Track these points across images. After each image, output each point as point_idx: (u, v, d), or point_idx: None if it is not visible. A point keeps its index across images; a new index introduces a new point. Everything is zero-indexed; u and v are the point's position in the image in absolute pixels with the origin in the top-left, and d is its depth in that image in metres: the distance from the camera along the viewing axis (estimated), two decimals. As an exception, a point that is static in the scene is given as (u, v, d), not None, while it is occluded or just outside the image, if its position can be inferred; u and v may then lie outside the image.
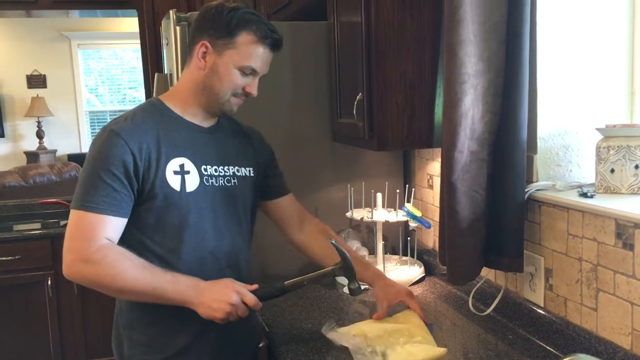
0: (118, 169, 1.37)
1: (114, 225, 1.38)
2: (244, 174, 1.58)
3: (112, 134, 1.39)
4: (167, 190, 1.42)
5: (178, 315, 1.43)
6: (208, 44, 1.44)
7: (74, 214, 1.39)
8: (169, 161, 1.43)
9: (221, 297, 1.36)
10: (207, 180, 1.49)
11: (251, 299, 1.39)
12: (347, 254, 1.52)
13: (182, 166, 1.45)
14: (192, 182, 1.46)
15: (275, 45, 1.48)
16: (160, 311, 1.44)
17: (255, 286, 1.44)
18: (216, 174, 1.51)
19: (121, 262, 1.35)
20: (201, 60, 1.46)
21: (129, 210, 1.41)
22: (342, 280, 2.06)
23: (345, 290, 1.98)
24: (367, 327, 1.55)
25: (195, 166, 1.47)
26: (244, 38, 1.43)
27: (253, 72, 1.47)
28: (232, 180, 1.55)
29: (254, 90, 1.50)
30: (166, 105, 1.51)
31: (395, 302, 1.59)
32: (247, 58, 1.44)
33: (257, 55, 1.45)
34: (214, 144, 1.54)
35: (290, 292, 1.51)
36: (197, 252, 1.47)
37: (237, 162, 1.58)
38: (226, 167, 1.54)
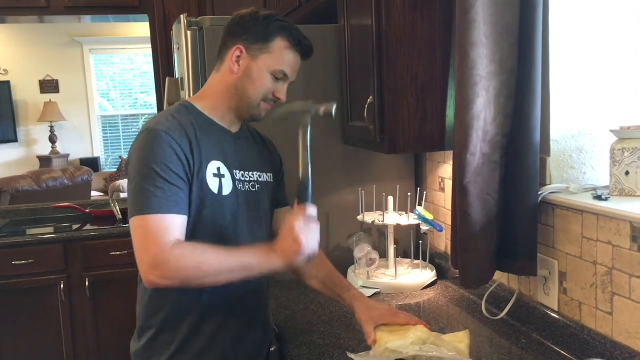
0: (178, 168, 1.36)
1: (180, 224, 1.36)
2: (265, 180, 1.60)
3: (161, 134, 1.37)
4: (206, 192, 1.42)
5: (193, 316, 1.44)
6: (243, 49, 1.46)
7: (135, 220, 1.34)
8: (208, 163, 1.44)
9: (291, 234, 1.36)
10: (238, 185, 1.50)
11: (305, 212, 1.39)
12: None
13: (218, 169, 1.46)
14: (228, 186, 1.47)
15: (305, 52, 1.51)
16: (176, 314, 1.44)
17: (295, 205, 1.43)
18: (244, 179, 1.53)
19: (197, 251, 1.33)
20: (235, 64, 1.47)
21: (187, 206, 1.39)
22: (354, 283, 2.06)
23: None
24: (389, 340, 1.49)
25: (229, 170, 1.49)
26: (279, 44, 1.46)
27: (284, 77, 1.49)
28: (257, 186, 1.56)
29: (283, 95, 1.51)
30: (197, 108, 1.51)
31: (380, 324, 1.53)
32: (280, 63, 1.47)
33: (290, 60, 1.48)
34: (240, 149, 1.55)
35: (310, 173, 1.48)
36: None
37: (260, 167, 1.59)
38: (251, 173, 1.55)
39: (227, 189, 1.47)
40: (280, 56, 1.47)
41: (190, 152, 1.40)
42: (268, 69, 1.46)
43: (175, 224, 1.35)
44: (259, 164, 1.59)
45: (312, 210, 1.41)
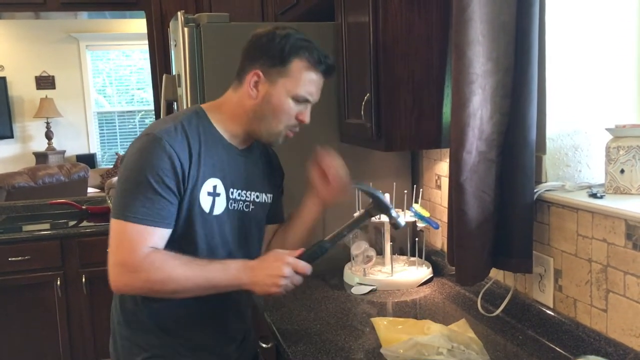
0: (168, 176, 1.32)
1: (160, 235, 1.34)
2: (262, 200, 1.55)
3: (161, 142, 1.33)
4: (197, 210, 1.39)
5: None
6: (260, 74, 1.40)
7: (116, 224, 1.33)
8: (205, 181, 1.40)
9: (273, 271, 1.35)
10: (231, 205, 1.46)
11: (302, 267, 1.38)
12: (376, 191, 1.50)
13: (215, 187, 1.42)
14: (220, 206, 1.43)
15: (328, 71, 1.44)
16: (156, 313, 1.45)
17: (300, 251, 1.42)
18: (239, 198, 1.48)
19: (167, 264, 1.33)
20: (253, 89, 1.41)
21: (174, 219, 1.36)
22: (350, 280, 2.06)
23: (354, 290, 1.98)
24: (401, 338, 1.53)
25: (225, 189, 1.44)
26: (297, 65, 1.39)
27: (305, 100, 1.43)
28: (251, 206, 1.52)
29: (306, 118, 1.45)
30: (209, 120, 1.45)
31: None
32: (300, 86, 1.40)
33: (311, 82, 1.41)
34: (244, 167, 1.50)
35: (333, 246, 1.48)
36: None
37: (260, 187, 1.55)
38: (249, 192, 1.51)
39: (219, 209, 1.43)
40: (300, 79, 1.40)
41: (189, 167, 1.36)
42: (288, 93, 1.40)
43: (156, 236, 1.34)
44: (260, 184, 1.55)
45: (308, 270, 1.39)
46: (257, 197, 1.54)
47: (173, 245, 1.37)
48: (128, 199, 1.33)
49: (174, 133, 1.36)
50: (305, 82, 1.40)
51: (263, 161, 1.59)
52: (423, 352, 1.42)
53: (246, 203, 1.51)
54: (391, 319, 1.72)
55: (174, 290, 1.35)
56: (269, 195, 1.58)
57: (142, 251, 1.31)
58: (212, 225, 1.43)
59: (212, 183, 1.41)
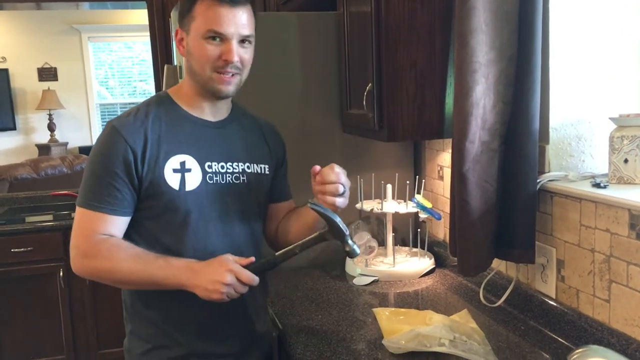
0: (118, 167, 1.37)
1: (115, 223, 1.40)
2: (256, 171, 1.53)
3: (113, 130, 1.39)
4: (164, 188, 1.39)
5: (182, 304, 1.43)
6: (179, 29, 1.45)
7: (77, 210, 1.42)
8: (168, 159, 1.40)
9: (215, 277, 1.32)
10: (211, 178, 1.45)
11: (247, 276, 1.34)
12: (333, 216, 1.39)
13: (182, 164, 1.41)
14: (193, 181, 1.42)
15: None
16: (162, 300, 1.44)
17: (250, 259, 1.38)
18: (222, 170, 1.47)
19: (115, 254, 1.37)
20: (180, 48, 1.46)
21: (131, 208, 1.41)
22: (352, 271, 2.06)
23: (356, 281, 1.98)
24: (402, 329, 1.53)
25: (199, 163, 1.43)
26: (200, 6, 1.38)
27: (219, 35, 1.37)
28: (242, 177, 1.49)
29: (230, 56, 1.38)
30: (173, 100, 1.48)
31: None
32: (207, 22, 1.36)
33: (217, 15, 1.36)
34: (222, 139, 1.49)
35: (283, 262, 1.43)
36: (198, 252, 1.42)
37: (248, 158, 1.52)
38: (235, 164, 1.49)
39: (192, 184, 1.42)
40: (205, 16, 1.37)
41: (143, 150, 1.38)
42: (200, 35, 1.38)
43: (107, 222, 1.39)
44: (246, 154, 1.52)
45: (254, 281, 1.36)
46: (248, 167, 1.51)
47: (159, 225, 1.42)
48: (83, 186, 1.42)
49: (128, 120, 1.42)
50: (211, 17, 1.36)
51: (251, 132, 1.57)
52: (425, 343, 1.42)
53: (235, 175, 1.49)
54: (393, 309, 1.72)
55: (120, 280, 1.41)
56: (262, 166, 1.55)
57: (93, 238, 1.38)
58: (186, 202, 1.41)
59: (179, 160, 1.42)
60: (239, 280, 1.34)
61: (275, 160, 1.61)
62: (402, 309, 1.72)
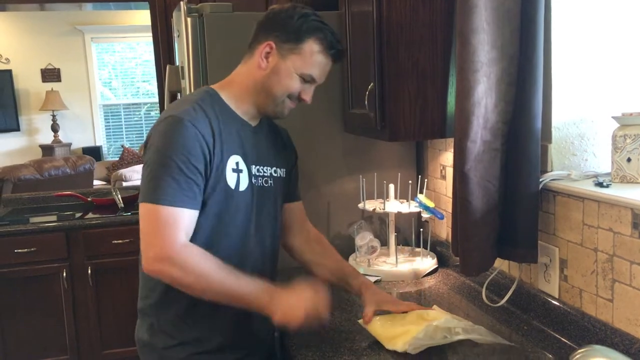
0: (198, 161, 1.34)
1: (191, 219, 1.36)
2: (279, 175, 1.58)
3: (187, 123, 1.35)
4: (224, 186, 1.41)
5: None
6: (273, 45, 1.43)
7: (147, 207, 1.33)
8: (229, 157, 1.42)
9: (298, 305, 1.35)
10: (254, 181, 1.49)
11: (324, 312, 1.38)
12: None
13: (237, 164, 1.44)
14: (244, 182, 1.45)
15: (337, 56, 1.48)
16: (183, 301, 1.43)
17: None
18: (259, 174, 1.51)
19: (205, 264, 1.33)
20: (263, 60, 1.44)
21: (200, 201, 1.38)
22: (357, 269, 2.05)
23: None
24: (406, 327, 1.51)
25: (247, 165, 1.47)
26: (310, 45, 1.42)
27: (312, 80, 1.46)
28: (270, 181, 1.54)
29: (308, 97, 1.49)
30: (221, 98, 1.48)
31: (382, 309, 1.56)
32: (309, 66, 1.44)
33: (320, 64, 1.45)
34: (258, 143, 1.53)
35: None
36: (232, 252, 1.44)
37: (275, 162, 1.57)
38: (266, 168, 1.53)
39: (243, 185, 1.45)
40: (311, 59, 1.43)
41: (213, 145, 1.38)
42: (296, 70, 1.43)
43: (185, 218, 1.34)
44: (274, 159, 1.57)
45: (325, 317, 1.39)
46: (275, 171, 1.56)
47: (204, 223, 1.39)
48: (156, 181, 1.33)
49: (194, 113, 1.38)
50: (315, 63, 1.44)
51: (272, 136, 1.61)
52: (445, 335, 1.43)
53: (265, 178, 1.53)
54: (378, 317, 1.58)
55: (204, 289, 1.34)
56: (283, 170, 1.60)
57: (177, 236, 1.32)
58: (239, 202, 1.44)
59: (235, 159, 1.44)
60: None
61: (290, 164, 1.66)
62: (389, 314, 1.60)
